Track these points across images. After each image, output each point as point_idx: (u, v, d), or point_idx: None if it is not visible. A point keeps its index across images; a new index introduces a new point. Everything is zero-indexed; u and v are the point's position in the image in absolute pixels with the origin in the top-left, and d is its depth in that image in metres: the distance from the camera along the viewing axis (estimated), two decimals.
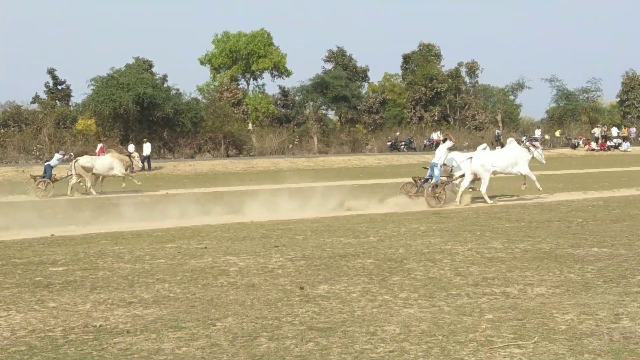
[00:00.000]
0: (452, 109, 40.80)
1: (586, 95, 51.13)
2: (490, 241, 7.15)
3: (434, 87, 39.59)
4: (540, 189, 12.37)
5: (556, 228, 8.20)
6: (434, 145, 31.80)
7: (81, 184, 17.15)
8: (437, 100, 40.05)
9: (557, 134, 42.10)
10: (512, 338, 3.72)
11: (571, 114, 49.09)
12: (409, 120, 38.95)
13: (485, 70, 53.15)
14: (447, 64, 42.89)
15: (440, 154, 12.27)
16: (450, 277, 5.34)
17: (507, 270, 5.61)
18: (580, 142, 38.91)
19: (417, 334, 3.80)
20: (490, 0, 79.42)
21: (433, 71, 40.02)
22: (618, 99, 50.86)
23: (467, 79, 42.66)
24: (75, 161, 17.38)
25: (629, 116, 49.33)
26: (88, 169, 17.14)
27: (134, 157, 18.13)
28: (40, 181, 17.05)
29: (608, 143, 39.43)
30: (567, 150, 36.91)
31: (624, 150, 38.53)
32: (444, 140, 12.56)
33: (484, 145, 13.93)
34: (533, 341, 3.67)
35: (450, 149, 12.40)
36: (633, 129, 44.15)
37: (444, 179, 12.14)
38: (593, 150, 37.94)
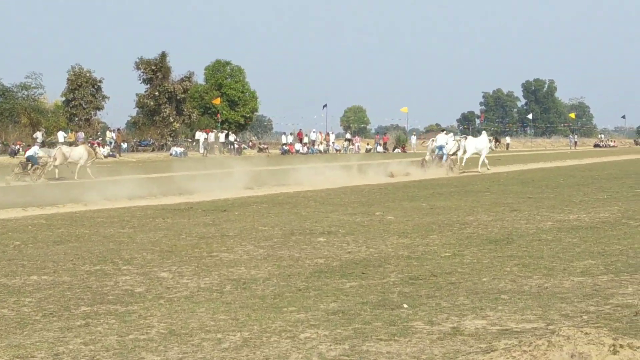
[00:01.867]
0: None
1: (26, 93, 52.67)
2: None
3: None
4: None
5: None
6: None
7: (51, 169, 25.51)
8: None
9: None
10: None
11: (9, 115, 49.68)
12: None
13: None
14: None
15: (442, 141, 27.32)
16: None
17: None
18: (21, 148, 39.80)
19: None
20: None
21: None
22: (64, 98, 54.33)
23: None
24: (59, 148, 26.97)
25: (76, 118, 53.30)
26: (65, 157, 25.52)
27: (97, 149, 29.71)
28: (36, 167, 25.10)
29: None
30: (4, 159, 37.16)
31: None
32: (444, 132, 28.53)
33: None
34: None
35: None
36: (81, 134, 47.73)
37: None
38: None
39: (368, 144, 67.18)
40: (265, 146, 60.36)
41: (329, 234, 9.80)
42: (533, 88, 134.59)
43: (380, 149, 62.93)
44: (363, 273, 7.01)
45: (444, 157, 27.42)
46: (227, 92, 61.85)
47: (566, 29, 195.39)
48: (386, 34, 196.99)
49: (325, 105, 77.58)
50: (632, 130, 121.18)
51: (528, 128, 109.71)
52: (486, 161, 27.03)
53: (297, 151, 56.27)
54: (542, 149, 62.62)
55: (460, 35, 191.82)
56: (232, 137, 56.43)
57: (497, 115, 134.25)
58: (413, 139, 70.22)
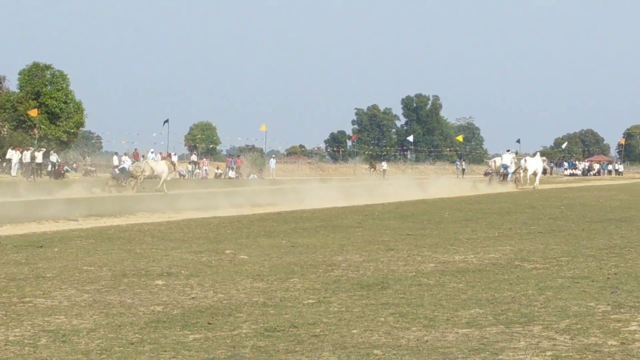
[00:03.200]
0: None
1: None
2: None
3: None
4: None
5: None
6: None
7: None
8: None
9: None
10: None
11: None
12: None
13: None
14: None
15: (507, 160, 43.64)
16: None
17: None
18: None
19: None
20: None
21: None
22: None
23: None
24: (146, 162, 37.96)
25: None
26: (152, 170, 36.42)
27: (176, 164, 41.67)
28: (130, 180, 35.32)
29: None
30: None
31: None
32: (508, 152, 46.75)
33: None
34: None
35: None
36: None
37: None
38: None
39: (218, 168, 67.11)
40: (93, 168, 58.93)
41: (169, 276, 9.66)
42: (414, 105, 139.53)
43: (232, 173, 63.01)
44: (209, 323, 6.95)
45: (509, 175, 42.68)
46: (46, 102, 60.15)
47: (452, 38, 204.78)
48: (242, 40, 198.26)
49: (166, 121, 76.60)
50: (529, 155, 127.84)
51: (409, 152, 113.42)
52: (538, 178, 43.32)
53: None
54: (424, 176, 64.68)
55: (330, 44, 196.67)
56: (53, 157, 54.77)
57: (373, 136, 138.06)
58: (272, 162, 70.84)
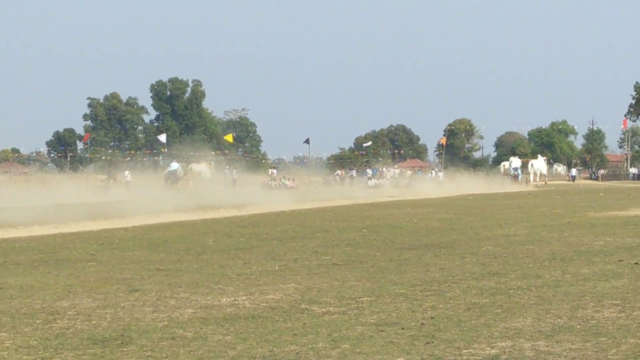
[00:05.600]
0: None
1: None
2: None
3: None
4: None
5: None
6: None
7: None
8: None
9: None
10: None
11: None
12: None
13: None
14: None
15: (517, 163, 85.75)
16: None
17: None
18: None
19: None
20: None
21: None
22: None
23: None
24: (190, 168, 65.84)
25: None
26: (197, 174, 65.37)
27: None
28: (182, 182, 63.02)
29: None
30: None
31: None
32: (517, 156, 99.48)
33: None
34: None
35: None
36: None
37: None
38: None
39: None
40: None
41: None
42: (168, 93, 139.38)
43: None
44: None
45: (519, 177, 73.53)
46: None
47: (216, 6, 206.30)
48: None
49: None
50: (321, 161, 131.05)
51: (161, 157, 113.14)
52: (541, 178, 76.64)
53: None
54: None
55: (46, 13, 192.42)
56: None
57: (113, 135, 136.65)
58: None
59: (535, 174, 75.16)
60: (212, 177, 65.23)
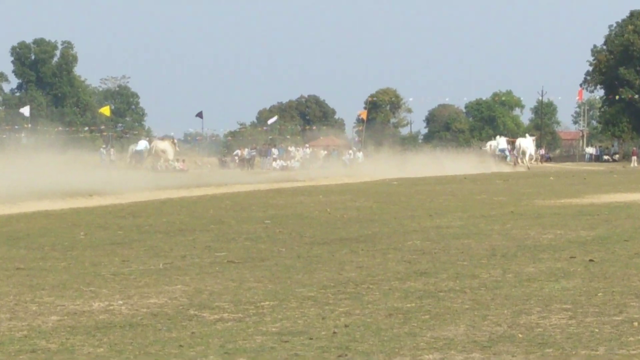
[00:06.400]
0: None
1: None
2: None
3: None
4: None
5: None
6: None
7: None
8: None
9: None
10: None
11: None
12: None
13: None
14: None
15: (504, 144, 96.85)
16: None
17: None
18: None
19: None
20: None
21: None
22: None
23: None
24: (154, 146, 78.84)
25: None
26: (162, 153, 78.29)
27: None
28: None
29: None
30: None
31: None
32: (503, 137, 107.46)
33: None
34: None
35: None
36: None
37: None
38: None
39: None
40: None
41: None
42: (33, 57, 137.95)
43: None
44: None
45: (508, 157, 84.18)
46: None
47: None
48: None
49: None
50: (217, 139, 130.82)
51: (24, 133, 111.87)
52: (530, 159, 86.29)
53: None
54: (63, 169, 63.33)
55: None
56: None
57: None
58: None
59: (524, 153, 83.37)
60: (175, 156, 72.96)
